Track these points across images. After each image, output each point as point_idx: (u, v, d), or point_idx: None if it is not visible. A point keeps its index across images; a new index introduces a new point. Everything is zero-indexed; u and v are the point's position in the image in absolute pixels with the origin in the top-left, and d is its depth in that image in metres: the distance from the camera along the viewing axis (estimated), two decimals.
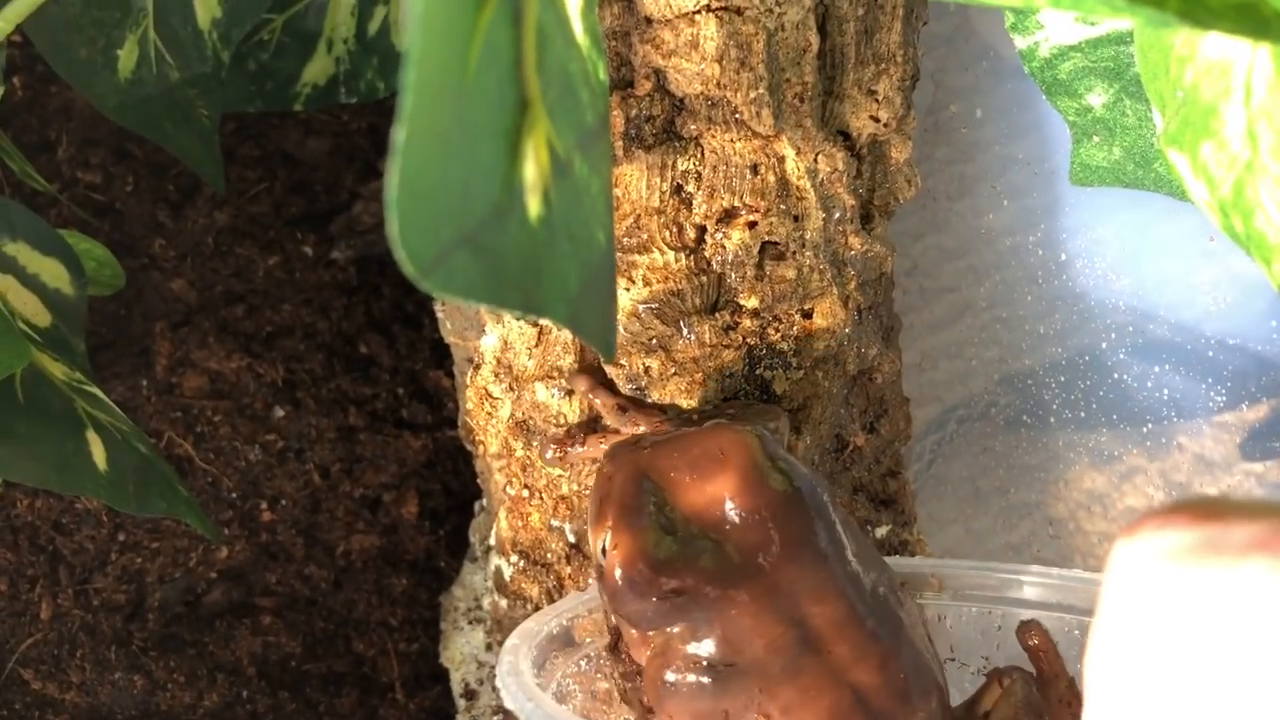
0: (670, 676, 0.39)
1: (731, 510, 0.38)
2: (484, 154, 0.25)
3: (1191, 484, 0.76)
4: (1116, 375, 0.69)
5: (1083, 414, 0.74)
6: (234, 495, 0.64)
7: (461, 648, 0.58)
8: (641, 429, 0.44)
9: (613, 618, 0.42)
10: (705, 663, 0.38)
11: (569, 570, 0.51)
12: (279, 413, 0.65)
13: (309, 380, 0.66)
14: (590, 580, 0.46)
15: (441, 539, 0.68)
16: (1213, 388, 0.71)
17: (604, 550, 0.39)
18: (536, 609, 0.53)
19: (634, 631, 0.40)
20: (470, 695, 0.57)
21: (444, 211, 0.23)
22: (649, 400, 0.45)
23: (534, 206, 0.27)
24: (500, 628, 0.55)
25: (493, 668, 0.57)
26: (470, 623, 0.58)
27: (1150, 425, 0.74)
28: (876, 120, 0.45)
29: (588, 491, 0.49)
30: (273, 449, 0.65)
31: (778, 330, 0.45)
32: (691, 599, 0.37)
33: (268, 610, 0.64)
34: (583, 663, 0.42)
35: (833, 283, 0.45)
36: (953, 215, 0.65)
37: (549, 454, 0.46)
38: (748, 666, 0.38)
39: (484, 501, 0.58)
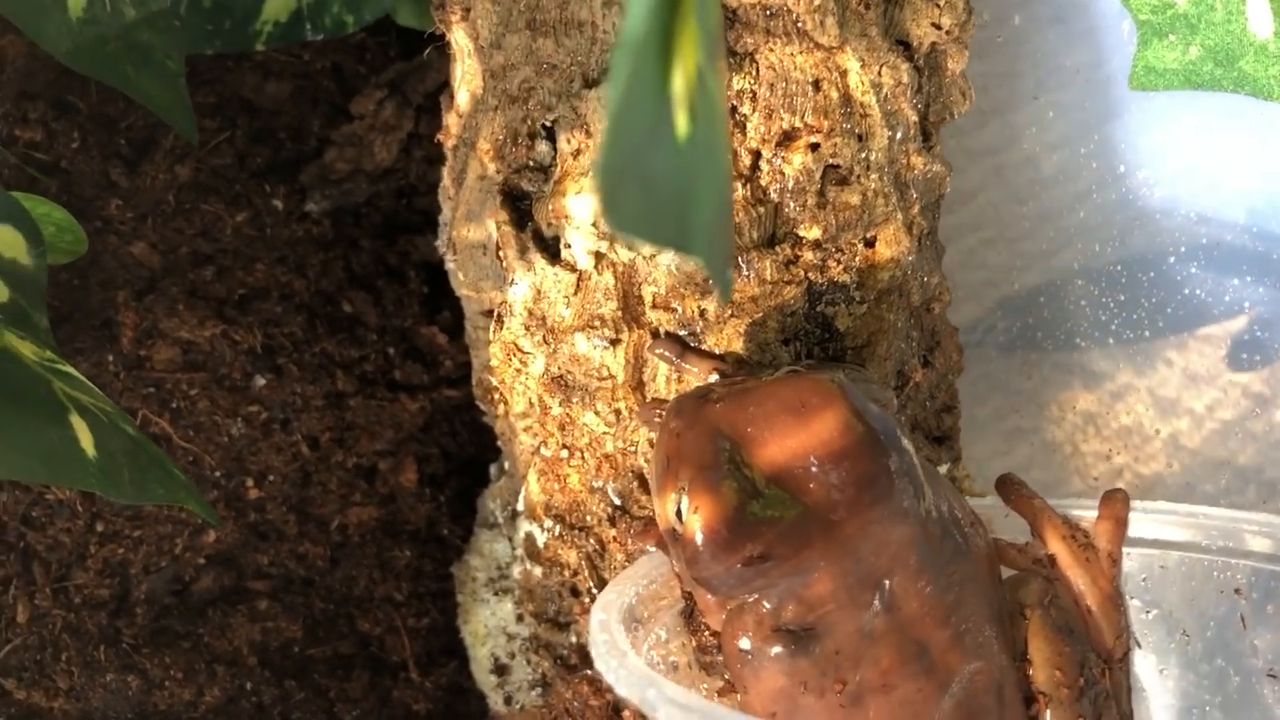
0: (746, 644, 0.36)
1: (814, 467, 0.36)
2: (646, 64, 0.21)
3: (1180, 399, 0.75)
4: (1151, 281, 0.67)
5: (1076, 334, 0.73)
6: (218, 474, 0.59)
7: (486, 620, 0.55)
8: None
9: (686, 585, 0.39)
10: (784, 628, 0.36)
11: (612, 533, 0.47)
12: (260, 382, 0.60)
13: (290, 345, 0.61)
14: (642, 545, 0.43)
15: (443, 506, 0.63)
16: (1199, 302, 0.69)
17: (679, 513, 0.36)
18: (575, 575, 0.49)
19: (710, 597, 0.37)
20: (502, 670, 0.54)
21: (618, 141, 0.19)
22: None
23: (681, 124, 0.23)
24: (532, 597, 0.52)
25: (525, 639, 0.53)
26: (495, 594, 0.54)
27: (1140, 342, 0.73)
28: (938, 27, 0.41)
29: (633, 449, 0.45)
30: (256, 421, 0.60)
31: (839, 262, 0.42)
32: (776, 562, 0.35)
33: (263, 594, 0.60)
34: (661, 632, 0.39)
35: (897, 208, 0.42)
36: (993, 129, 0.62)
37: (654, 416, 0.42)
38: (826, 630, 0.36)
39: (505, 465, 0.54)
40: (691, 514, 0.35)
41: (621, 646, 0.34)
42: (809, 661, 0.36)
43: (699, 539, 0.35)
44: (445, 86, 0.64)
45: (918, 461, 0.37)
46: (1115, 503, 0.44)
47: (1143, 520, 0.45)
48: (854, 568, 0.36)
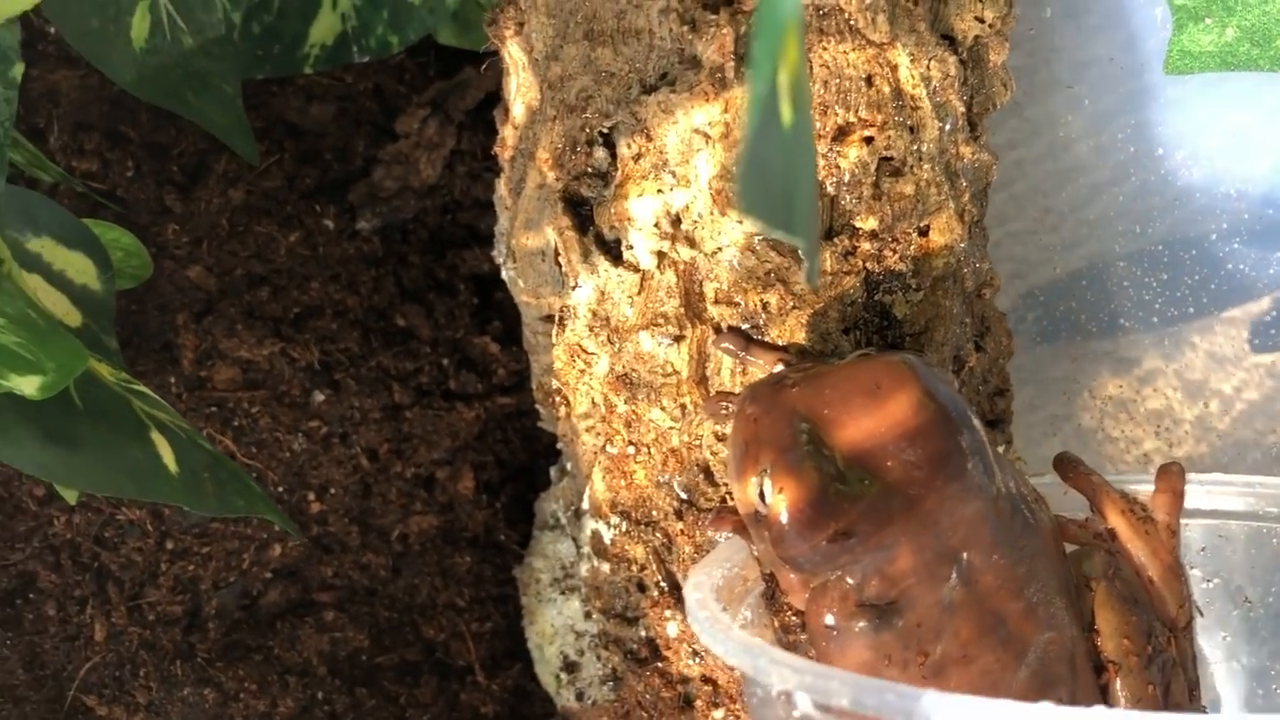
0: (830, 620, 0.37)
1: (891, 446, 0.37)
2: (761, 55, 0.22)
3: (1207, 381, 0.76)
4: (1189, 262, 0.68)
5: (1102, 321, 0.74)
6: (280, 489, 0.60)
7: (553, 620, 0.56)
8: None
9: (767, 566, 0.40)
10: (867, 604, 0.37)
11: (680, 526, 0.48)
12: (319, 397, 0.61)
13: (346, 360, 0.62)
14: (719, 533, 0.44)
15: (499, 512, 0.65)
16: (1221, 285, 0.70)
17: (761, 496, 0.37)
18: (642, 570, 0.51)
19: (793, 576, 0.38)
20: (571, 668, 0.55)
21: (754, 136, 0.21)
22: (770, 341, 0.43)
23: (786, 114, 0.24)
24: (599, 594, 0.53)
25: (593, 636, 0.54)
26: (561, 593, 0.55)
27: (1165, 327, 0.74)
28: (981, 21, 0.43)
29: (698, 443, 0.47)
30: (316, 436, 0.61)
31: (895, 251, 0.43)
32: (860, 539, 0.36)
33: (329, 605, 0.61)
34: (747, 613, 0.40)
35: (949, 196, 0.43)
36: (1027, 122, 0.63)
37: (721, 409, 0.43)
38: (907, 604, 0.37)
39: (566, 466, 0.55)
40: (776, 495, 0.36)
41: (723, 620, 0.36)
42: (892, 635, 0.37)
43: (785, 518, 0.36)
44: (485, 103, 0.65)
45: (986, 439, 0.39)
46: (1171, 475, 0.45)
47: (1199, 491, 0.46)
48: (932, 542, 0.37)
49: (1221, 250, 0.68)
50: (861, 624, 0.37)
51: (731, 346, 0.43)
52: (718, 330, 0.44)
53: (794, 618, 0.40)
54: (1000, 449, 0.50)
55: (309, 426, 0.61)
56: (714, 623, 0.35)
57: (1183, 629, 0.44)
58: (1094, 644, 0.42)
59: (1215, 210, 0.67)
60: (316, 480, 0.61)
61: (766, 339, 0.44)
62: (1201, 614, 0.46)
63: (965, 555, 0.37)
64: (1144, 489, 0.46)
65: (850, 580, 0.37)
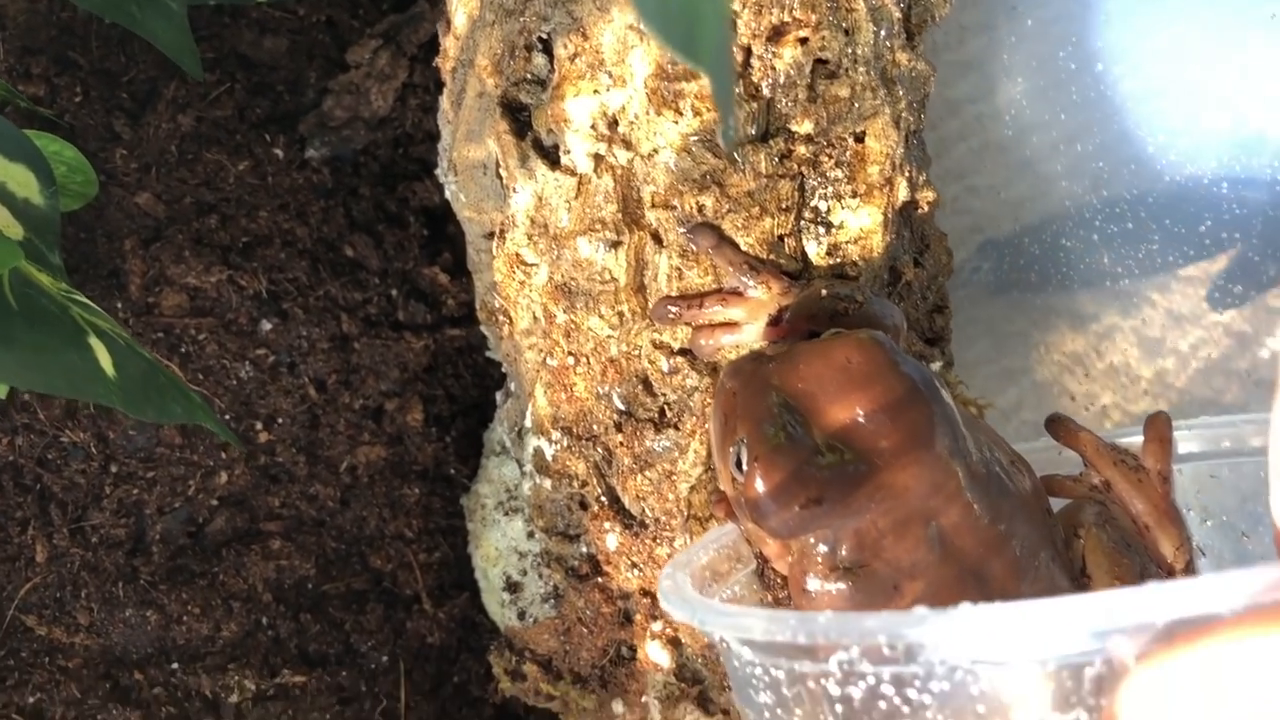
0: (810, 583, 0.38)
1: (861, 416, 0.38)
2: None
3: (1165, 339, 0.77)
4: (1090, 235, 0.69)
5: (1060, 276, 0.74)
6: (228, 417, 0.60)
7: (497, 542, 0.56)
8: (773, 289, 0.43)
9: (755, 544, 0.41)
10: (843, 566, 0.38)
11: (619, 439, 0.48)
12: (266, 326, 0.61)
13: (295, 290, 0.62)
14: (716, 516, 0.45)
15: (449, 446, 0.65)
16: (1179, 243, 0.71)
17: (740, 464, 0.38)
18: (583, 486, 0.51)
19: (774, 543, 0.39)
20: (514, 588, 0.55)
21: None
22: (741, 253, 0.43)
23: None
24: (542, 512, 0.53)
25: (536, 555, 0.54)
26: (505, 514, 0.56)
27: (1123, 283, 0.74)
28: None
29: (637, 352, 0.47)
30: (264, 365, 0.61)
31: (831, 156, 0.43)
32: (829, 506, 0.37)
33: (275, 535, 0.61)
34: (736, 587, 0.41)
35: (884, 102, 0.43)
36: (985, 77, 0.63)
37: (668, 312, 0.44)
38: (882, 566, 0.38)
39: (510, 387, 0.55)
40: (751, 463, 0.37)
41: (683, 589, 0.37)
42: (869, 595, 0.37)
43: (759, 485, 0.37)
44: (438, 38, 0.65)
45: (955, 408, 0.39)
46: (1159, 424, 0.46)
47: (1188, 437, 0.46)
48: (904, 507, 0.37)
49: (1181, 209, 0.69)
50: (839, 585, 0.38)
51: (703, 241, 0.43)
52: (656, 238, 0.45)
53: (782, 592, 0.40)
54: (937, 364, 0.51)
55: (256, 355, 0.61)
56: (674, 588, 0.36)
57: (1181, 570, 0.45)
58: (1087, 590, 0.42)
59: (1174, 172, 0.67)
60: (264, 410, 0.61)
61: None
62: (1204, 554, 0.47)
63: (939, 518, 0.38)
64: (1135, 442, 0.47)
65: (825, 545, 0.37)
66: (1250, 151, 0.64)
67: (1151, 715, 0.26)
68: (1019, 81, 0.70)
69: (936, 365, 0.50)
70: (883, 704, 0.30)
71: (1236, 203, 0.66)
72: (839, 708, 0.30)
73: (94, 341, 0.46)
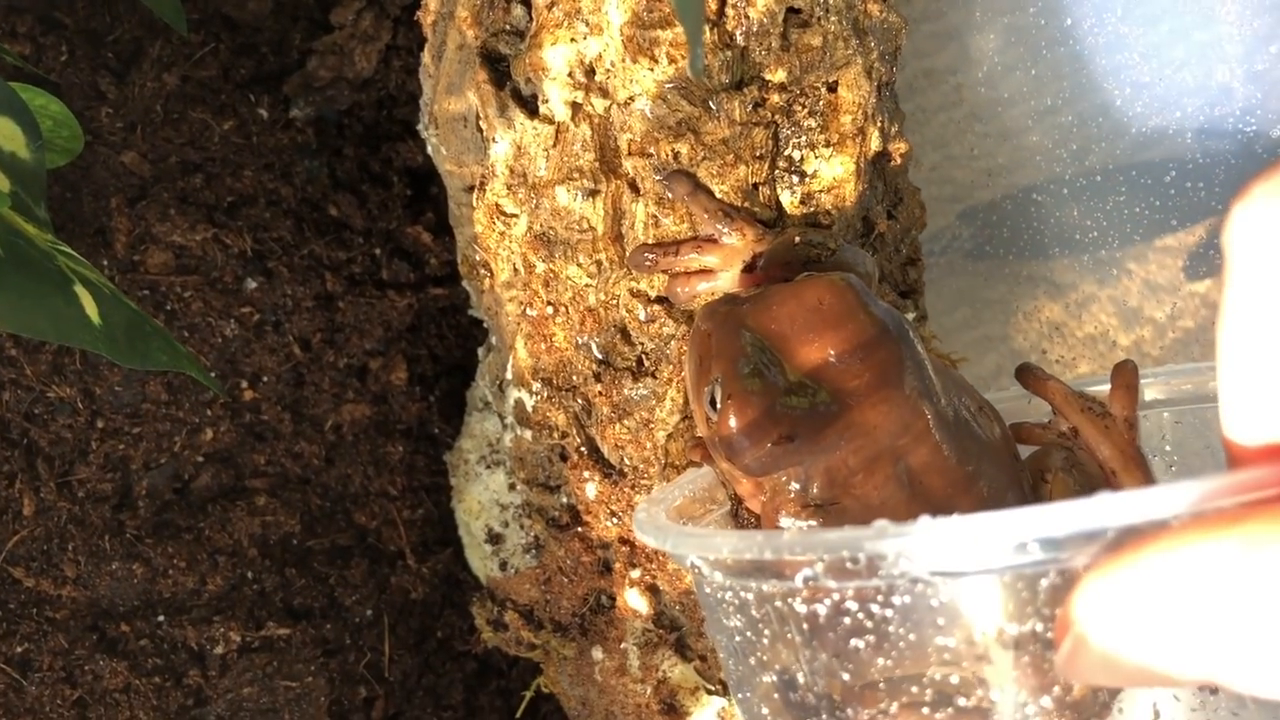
0: (784, 520, 0.39)
1: (832, 357, 0.38)
2: None
3: (1142, 308, 0.78)
4: (1068, 205, 0.70)
5: (1034, 235, 0.75)
6: (213, 374, 0.61)
7: (479, 495, 0.57)
8: (747, 236, 0.43)
9: (729, 484, 0.41)
10: (814, 503, 0.38)
11: (598, 389, 0.49)
12: (251, 284, 0.62)
13: (279, 248, 0.63)
14: (692, 459, 0.45)
15: (433, 405, 0.65)
16: (1145, 193, 0.72)
17: (714, 403, 0.38)
18: (564, 437, 0.51)
19: (747, 482, 0.40)
20: (496, 539, 0.56)
21: None
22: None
23: None
24: (523, 464, 0.54)
25: (517, 507, 0.55)
26: (487, 467, 0.56)
27: (1101, 253, 0.75)
28: None
29: (615, 302, 0.48)
30: (249, 323, 0.62)
31: (804, 106, 0.44)
32: (801, 444, 0.37)
33: (261, 491, 0.62)
34: (710, 528, 0.42)
35: (857, 52, 0.44)
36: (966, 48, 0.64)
37: (644, 259, 0.44)
38: (852, 504, 0.38)
39: (492, 341, 0.56)
40: (725, 401, 0.38)
41: (656, 518, 0.37)
42: None
43: (732, 423, 0.38)
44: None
45: (923, 350, 0.40)
46: (1126, 372, 0.47)
47: (1153, 384, 0.47)
48: (873, 445, 0.38)
49: (1159, 180, 0.70)
50: (811, 523, 0.38)
51: (680, 189, 0.44)
52: (633, 186, 0.45)
53: (756, 530, 0.41)
54: (910, 315, 0.51)
55: (241, 313, 0.62)
56: (648, 518, 0.37)
57: None
58: None
59: (1153, 141, 0.68)
60: (249, 368, 0.62)
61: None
62: None
63: (908, 457, 0.38)
64: (1102, 390, 0.48)
65: (797, 483, 0.38)
66: (1214, 103, 0.65)
67: (1099, 621, 0.27)
68: (991, 39, 0.71)
69: (910, 316, 0.51)
70: (847, 620, 0.30)
71: (1200, 152, 0.67)
72: (805, 625, 0.31)
73: (80, 290, 0.47)
